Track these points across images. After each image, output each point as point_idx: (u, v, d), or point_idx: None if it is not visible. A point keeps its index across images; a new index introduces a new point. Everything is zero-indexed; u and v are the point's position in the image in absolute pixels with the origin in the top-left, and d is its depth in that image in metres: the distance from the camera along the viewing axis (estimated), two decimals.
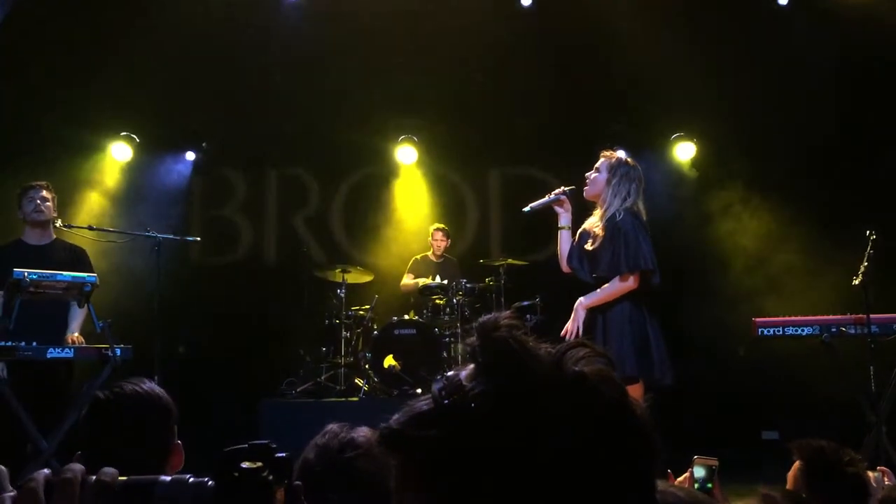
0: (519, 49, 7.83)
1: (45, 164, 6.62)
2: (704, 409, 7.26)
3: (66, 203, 5.77)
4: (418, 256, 7.89)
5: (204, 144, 8.47)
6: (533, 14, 7.87)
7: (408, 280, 7.76)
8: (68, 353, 4.62)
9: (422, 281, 7.53)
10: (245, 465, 0.98)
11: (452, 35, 7.59)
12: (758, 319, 5.03)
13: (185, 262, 7.91)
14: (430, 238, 7.87)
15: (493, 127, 8.24)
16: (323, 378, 7.30)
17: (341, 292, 7.38)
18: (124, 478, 1.00)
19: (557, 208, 4.45)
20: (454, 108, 8.13)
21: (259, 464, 0.99)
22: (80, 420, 1.88)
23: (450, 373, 0.83)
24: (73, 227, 5.30)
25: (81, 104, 7.21)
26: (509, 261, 7.46)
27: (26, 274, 4.33)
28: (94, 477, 1.01)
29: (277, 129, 8.15)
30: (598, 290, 4.13)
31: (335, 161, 8.55)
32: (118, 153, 7.84)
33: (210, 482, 1.00)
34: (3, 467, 2.05)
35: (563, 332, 4.15)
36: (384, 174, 8.73)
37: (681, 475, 2.23)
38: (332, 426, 1.99)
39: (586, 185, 4.37)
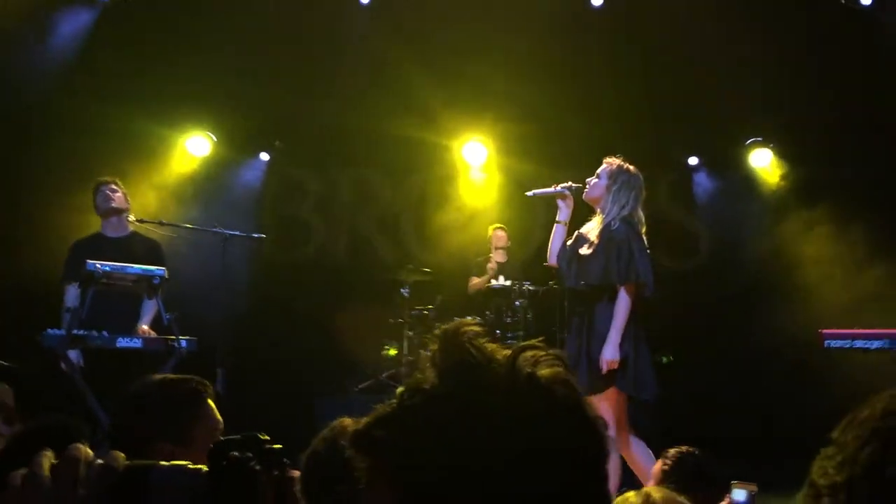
0: (589, 50, 7.75)
1: (117, 157, 6.89)
2: (771, 420, 7.06)
3: (137, 197, 5.98)
4: (481, 258, 7.89)
5: (277, 144, 8.67)
6: (603, 15, 7.78)
7: (474, 280, 7.77)
8: (137, 343, 4.79)
9: (486, 280, 7.55)
10: (234, 454, 1.02)
11: (523, 35, 7.57)
12: (825, 331, 4.86)
13: (257, 259, 8.10)
14: (490, 238, 7.87)
15: (562, 129, 8.18)
16: (384, 375, 7.38)
17: (405, 292, 7.45)
18: (128, 462, 1.05)
19: (560, 202, 4.48)
20: (524, 109, 8.10)
21: (248, 454, 1.02)
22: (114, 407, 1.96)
23: (416, 376, 0.86)
24: (144, 221, 5.51)
25: (157, 99, 7.47)
26: None
27: (98, 266, 4.52)
28: (100, 460, 1.06)
29: (349, 129, 8.27)
30: (615, 318, 4.07)
31: (405, 161, 8.63)
32: (194, 149, 8.08)
33: (204, 470, 1.04)
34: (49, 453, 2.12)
35: (604, 371, 4.07)
36: (453, 174, 8.77)
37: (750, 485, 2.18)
38: (345, 419, 2.02)
39: (586, 190, 4.41)
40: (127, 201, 5.46)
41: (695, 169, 8.78)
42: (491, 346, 0.81)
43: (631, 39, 7.68)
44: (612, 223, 4.19)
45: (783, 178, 8.15)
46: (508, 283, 7.39)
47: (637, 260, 4.09)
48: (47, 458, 1.00)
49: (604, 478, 0.80)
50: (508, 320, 7.15)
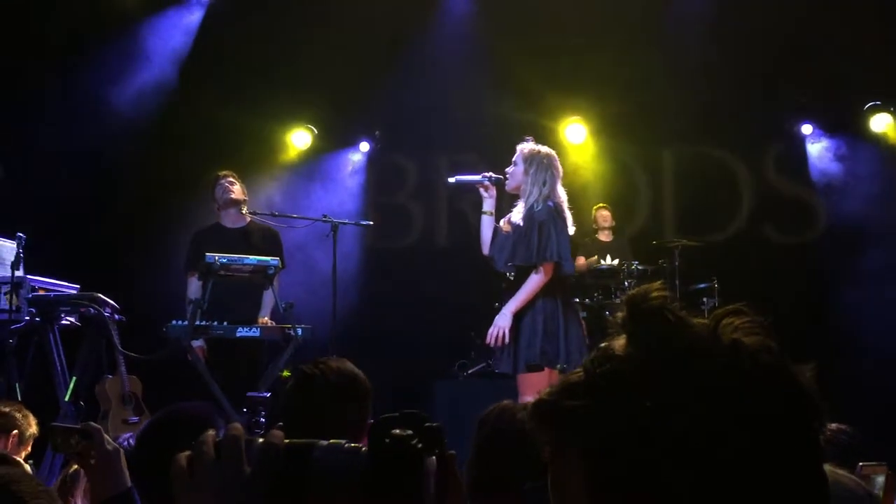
0: (693, 20, 7.48)
1: (228, 152, 7.10)
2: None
3: (249, 189, 6.14)
4: (587, 238, 7.75)
5: (377, 133, 8.73)
6: None
7: (579, 262, 7.65)
8: (255, 333, 4.93)
9: (593, 261, 7.43)
10: (395, 432, 1.00)
11: (621, 10, 7.38)
12: None
13: (361, 247, 8.20)
14: (594, 218, 7.72)
15: (665, 103, 7.93)
16: (493, 360, 7.35)
17: (511, 275, 7.39)
18: (288, 441, 1.04)
19: (482, 192, 4.52)
20: (625, 86, 7.90)
21: (409, 432, 1.00)
22: (285, 392, 2.00)
23: (602, 345, 0.82)
24: (257, 213, 5.66)
25: (263, 94, 7.66)
26: (684, 241, 7.18)
27: (217, 258, 4.66)
28: (261, 439, 1.06)
29: (447, 114, 8.25)
30: (519, 291, 4.22)
31: (506, 143, 8.53)
32: (298, 141, 8.27)
33: (364, 448, 1.03)
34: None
35: (486, 340, 4.24)
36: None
37: None
38: (504, 403, 1.97)
39: (506, 180, 4.45)
40: (244, 193, 5.62)
41: (809, 137, 8.36)
42: (684, 312, 0.76)
43: (737, 5, 7.37)
44: (535, 205, 4.26)
45: None
46: (615, 262, 7.24)
47: (554, 239, 4.19)
48: (212, 437, 1.00)
49: (818, 452, 0.74)
50: (617, 301, 7.01)
